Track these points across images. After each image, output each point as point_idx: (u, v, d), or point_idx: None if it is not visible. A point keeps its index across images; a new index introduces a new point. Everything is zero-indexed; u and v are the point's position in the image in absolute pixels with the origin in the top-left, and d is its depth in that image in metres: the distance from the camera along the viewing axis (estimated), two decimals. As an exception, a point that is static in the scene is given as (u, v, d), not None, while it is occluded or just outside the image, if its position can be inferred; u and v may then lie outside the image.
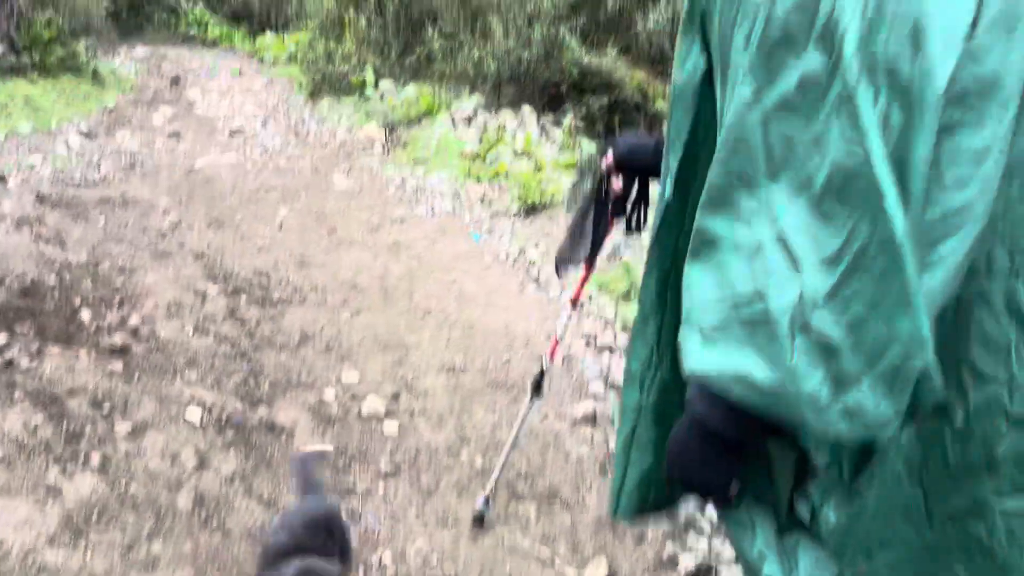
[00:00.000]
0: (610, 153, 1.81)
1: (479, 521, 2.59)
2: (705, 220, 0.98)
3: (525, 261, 4.80)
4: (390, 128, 7.81)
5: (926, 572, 1.17)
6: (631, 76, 7.57)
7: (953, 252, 0.87)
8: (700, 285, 0.98)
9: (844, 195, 0.86)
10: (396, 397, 3.26)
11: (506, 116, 7.35)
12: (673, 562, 2.48)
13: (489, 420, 3.14)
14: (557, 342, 2.51)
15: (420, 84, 8.54)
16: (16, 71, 8.71)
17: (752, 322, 0.93)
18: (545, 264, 4.65)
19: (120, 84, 10.16)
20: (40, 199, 4.44)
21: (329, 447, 2.81)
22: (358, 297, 4.18)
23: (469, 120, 7.38)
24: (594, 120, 7.25)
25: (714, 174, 0.96)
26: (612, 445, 2.81)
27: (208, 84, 10.85)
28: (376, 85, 8.93)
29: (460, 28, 8.51)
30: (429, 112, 7.86)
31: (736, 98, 0.96)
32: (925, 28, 0.81)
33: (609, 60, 7.44)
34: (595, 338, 3.81)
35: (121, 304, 3.33)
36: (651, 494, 1.59)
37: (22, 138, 6.53)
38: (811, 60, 0.87)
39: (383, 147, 7.57)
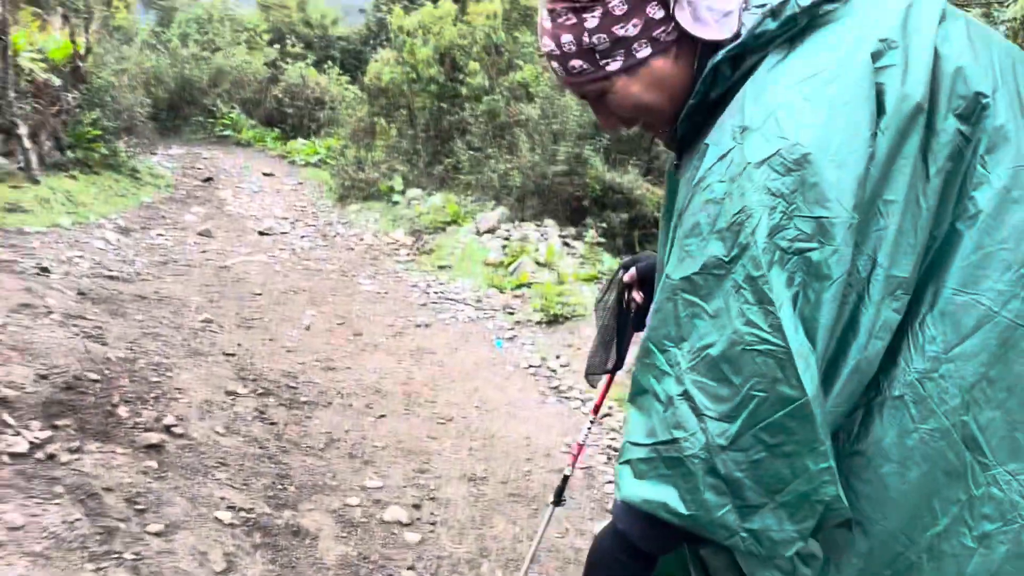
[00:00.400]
0: (633, 270, 1.94)
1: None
2: (637, 372, 1.14)
3: (546, 371, 4.89)
4: (416, 234, 8.06)
5: None
6: (651, 193, 7.84)
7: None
8: (634, 426, 1.14)
9: (740, 363, 1.02)
10: (418, 507, 3.29)
11: (529, 228, 7.59)
12: None
13: (510, 532, 3.16)
14: (580, 447, 2.57)
15: (446, 193, 8.85)
16: (60, 167, 9.10)
17: (671, 461, 1.09)
18: (566, 375, 4.74)
19: (156, 181, 10.55)
20: (81, 295, 4.60)
21: None
22: (382, 402, 4.26)
23: (493, 230, 7.61)
24: (615, 234, 7.47)
25: (645, 335, 1.14)
26: None
27: (240, 184, 11.25)
28: (404, 192, 9.25)
29: (487, 141, 8.87)
30: (454, 220, 8.12)
31: (663, 274, 1.15)
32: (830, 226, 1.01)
33: (631, 178, 7.72)
34: (616, 452, 3.86)
35: (156, 400, 3.42)
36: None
37: (63, 232, 6.78)
38: (713, 248, 1.05)
39: (408, 252, 7.79)
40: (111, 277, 5.54)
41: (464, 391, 4.52)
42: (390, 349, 5.13)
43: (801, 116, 1.04)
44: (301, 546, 2.86)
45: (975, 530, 1.15)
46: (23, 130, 8.15)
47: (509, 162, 8.30)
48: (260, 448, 3.40)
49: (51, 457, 2.72)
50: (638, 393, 1.16)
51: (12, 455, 2.65)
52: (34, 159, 8.56)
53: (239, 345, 4.69)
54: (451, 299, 6.26)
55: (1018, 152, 1.10)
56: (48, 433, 2.81)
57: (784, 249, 1.01)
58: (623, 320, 2.15)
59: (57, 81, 9.12)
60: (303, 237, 8.38)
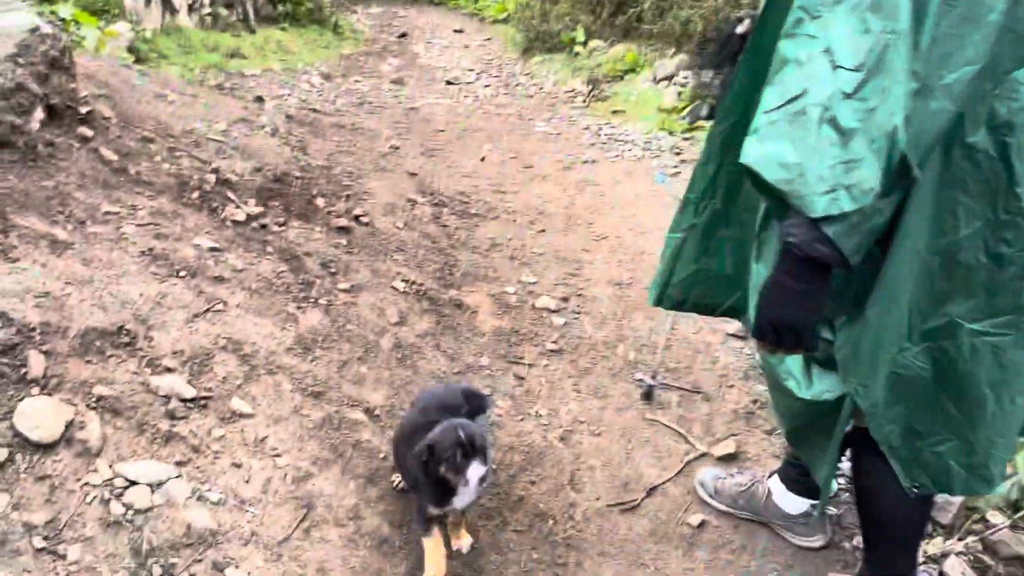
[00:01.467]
0: (748, 21, 2.10)
1: (648, 396, 2.95)
2: (780, 47, 1.27)
3: (704, 204, 5.04)
4: (594, 83, 8.19)
5: (906, 391, 1.50)
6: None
7: (955, 82, 1.20)
8: (766, 99, 1.27)
9: (878, 7, 1.16)
10: (566, 299, 3.67)
11: (707, 75, 7.49)
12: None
13: (647, 326, 3.48)
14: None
15: (628, 43, 8.83)
16: (272, 20, 9.93)
17: (793, 115, 1.21)
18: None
19: (356, 36, 11.25)
20: (289, 118, 5.25)
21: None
22: (544, 220, 4.63)
23: (670, 77, 7.60)
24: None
25: (792, 12, 1.26)
26: (758, 357, 3.06)
27: (431, 39, 11.73)
28: (585, 43, 9.32)
29: (672, -12, 8.68)
30: (633, 69, 8.15)
31: None
32: None
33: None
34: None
35: (348, 199, 3.98)
36: (690, 298, 2.00)
37: (275, 74, 7.54)
38: None
39: (585, 99, 7.97)
40: (314, 110, 6.19)
41: (621, 216, 4.78)
42: (557, 180, 5.45)
43: None
44: (462, 316, 3.33)
45: (991, 249, 1.34)
46: (242, -16, 8.95)
47: (692, 8, 8.12)
48: (432, 243, 3.89)
49: (263, 227, 3.31)
50: (777, 67, 1.26)
51: (234, 222, 3.26)
52: (251, 12, 9.39)
53: (421, 168, 5.20)
54: (620, 140, 6.44)
55: None
56: (261, 209, 3.41)
57: None
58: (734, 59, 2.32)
59: (268, -63, 9.83)
60: (486, 86, 8.75)
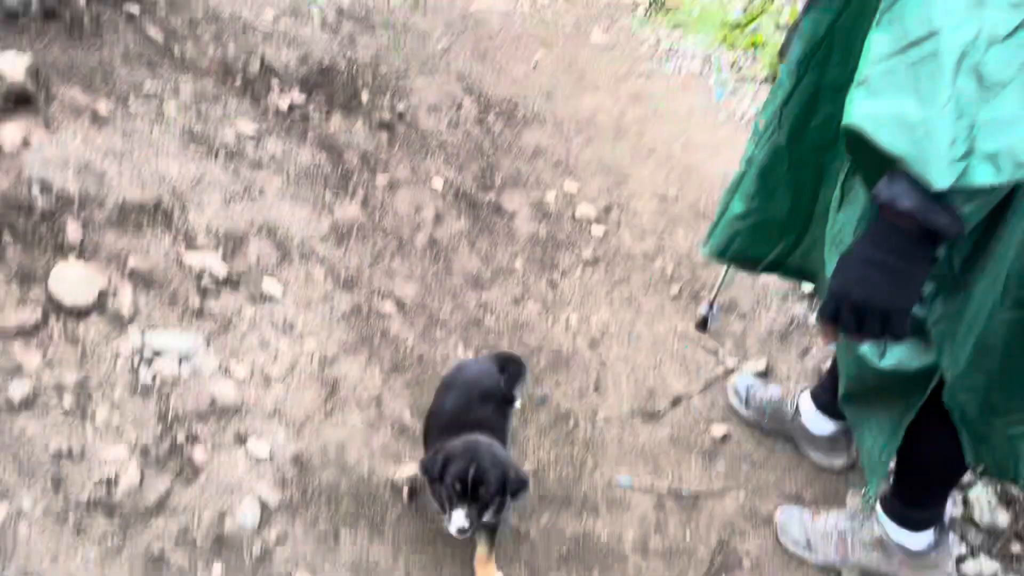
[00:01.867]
0: None
1: (703, 325, 2.82)
2: None
3: (760, 123, 4.86)
4: (656, -6, 7.87)
5: (990, 360, 1.35)
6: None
7: None
8: (877, 45, 1.04)
9: None
10: (608, 210, 3.60)
11: (777, -11, 7.14)
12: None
13: (689, 240, 3.40)
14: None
15: (694, -47, 8.44)
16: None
17: (918, 62, 0.97)
18: (779, 127, 4.68)
19: (416, -64, 10.92)
20: (340, 11, 5.15)
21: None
22: (592, 130, 4.52)
23: (736, -9, 7.26)
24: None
25: None
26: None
27: (493, -57, 11.35)
28: (650, -47, 8.93)
29: None
30: (698, -19, 7.80)
31: None
32: None
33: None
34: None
35: (393, 95, 3.91)
36: (733, 244, 1.84)
37: (330, -30, 7.38)
38: None
39: (646, 10, 7.68)
40: (368, 9, 6.06)
41: (672, 131, 4.64)
42: (609, 90, 5.29)
43: None
44: (499, 219, 3.30)
45: None
46: None
47: (766, -81, 7.69)
48: (475, 145, 3.83)
49: (305, 117, 3.28)
50: (885, 13, 1.05)
51: (276, 110, 3.23)
52: (309, -97, 9.12)
53: (470, 71, 5.07)
54: (679, 54, 6.21)
55: None
56: (304, 98, 3.37)
57: None
58: None
59: None
60: (545, -7, 8.48)
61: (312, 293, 2.42)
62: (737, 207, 1.84)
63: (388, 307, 2.53)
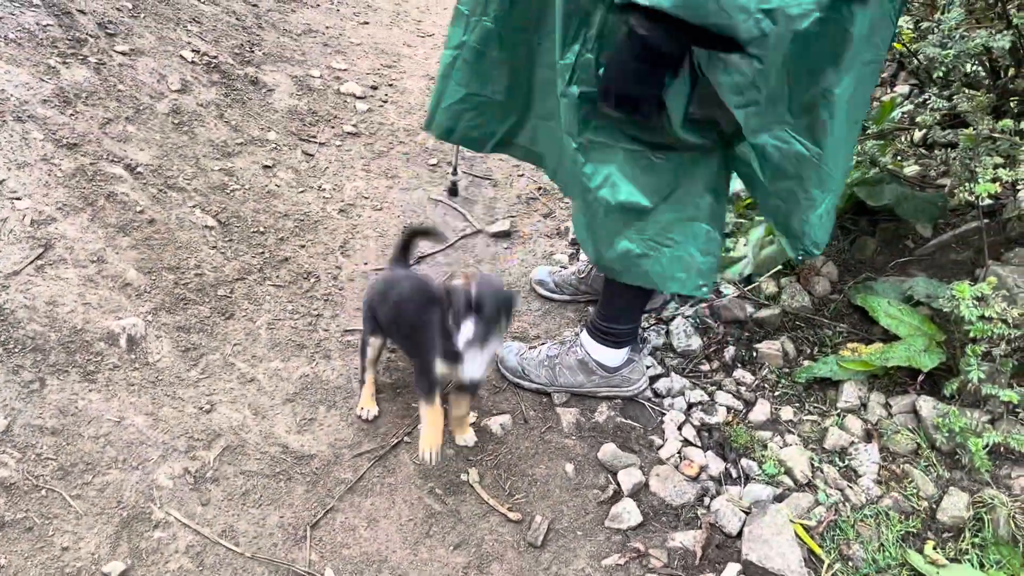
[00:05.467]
0: None
1: (453, 191, 2.90)
2: None
3: None
4: None
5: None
6: None
7: None
8: None
9: None
10: (375, 88, 3.60)
11: None
12: (561, 232, 2.87)
13: (452, 116, 3.47)
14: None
15: None
16: None
17: None
18: None
19: None
20: None
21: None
22: (369, 13, 4.45)
23: None
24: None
25: None
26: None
27: None
28: None
29: None
30: None
31: None
32: None
33: None
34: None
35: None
36: (458, 126, 1.91)
37: None
38: None
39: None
40: None
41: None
42: (394, -23, 5.21)
43: None
44: (256, 92, 3.22)
45: None
46: None
47: None
48: (237, 19, 3.68)
49: (33, -22, 3.03)
50: None
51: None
52: None
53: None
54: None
55: None
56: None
57: None
58: None
59: None
60: None
61: (27, 155, 2.29)
62: (456, 92, 1.87)
63: (118, 170, 2.44)
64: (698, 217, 1.71)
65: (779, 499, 1.92)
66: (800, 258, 1.88)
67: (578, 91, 1.57)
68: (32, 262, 2.02)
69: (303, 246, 2.56)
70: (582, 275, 2.49)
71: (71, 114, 2.53)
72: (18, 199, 2.16)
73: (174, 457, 1.81)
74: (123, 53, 2.93)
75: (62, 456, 1.71)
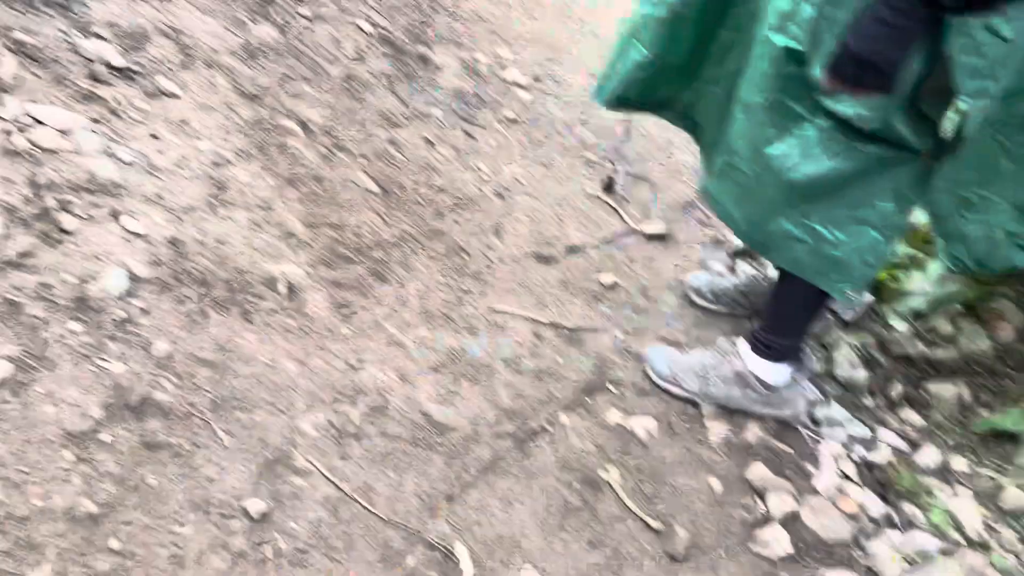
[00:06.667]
0: None
1: (609, 187, 2.88)
2: None
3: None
4: None
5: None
6: None
7: None
8: None
9: None
10: (538, 79, 3.57)
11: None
12: (720, 240, 2.74)
13: (613, 115, 3.40)
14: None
15: None
16: None
17: None
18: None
19: None
20: None
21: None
22: (537, 9, 4.44)
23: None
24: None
25: None
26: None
27: None
28: None
29: None
30: None
31: None
32: None
33: None
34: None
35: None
36: (631, 91, 1.84)
37: None
38: None
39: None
40: None
41: (619, 14, 4.59)
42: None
43: None
44: (424, 69, 3.24)
45: None
46: None
47: None
48: (412, 0, 3.73)
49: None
50: None
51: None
52: None
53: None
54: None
55: None
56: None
57: None
58: None
59: None
60: None
61: (212, 99, 2.36)
62: (637, 54, 1.80)
63: (291, 125, 2.48)
64: (870, 221, 1.57)
65: (945, 553, 1.75)
66: (956, 268, 1.70)
67: (784, 44, 1.45)
68: (208, 200, 2.07)
69: (457, 222, 2.54)
70: (744, 288, 2.36)
71: (254, 67, 2.59)
72: (200, 139, 2.22)
73: (319, 407, 1.80)
74: (306, 17, 3.00)
75: (216, 389, 1.72)
